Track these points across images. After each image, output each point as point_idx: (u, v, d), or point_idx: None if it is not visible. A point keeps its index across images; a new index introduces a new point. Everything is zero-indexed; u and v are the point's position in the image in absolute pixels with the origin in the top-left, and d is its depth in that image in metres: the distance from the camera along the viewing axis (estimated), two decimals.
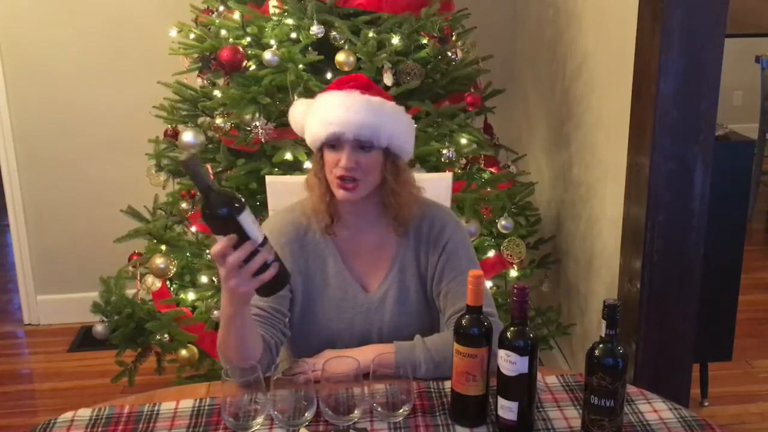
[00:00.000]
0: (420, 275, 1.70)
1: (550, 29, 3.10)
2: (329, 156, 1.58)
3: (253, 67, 2.44)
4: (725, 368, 3.00)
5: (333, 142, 1.57)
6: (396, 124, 1.60)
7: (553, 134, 3.10)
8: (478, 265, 1.72)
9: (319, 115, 1.58)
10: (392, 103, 1.62)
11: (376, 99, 1.59)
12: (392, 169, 1.61)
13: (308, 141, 1.63)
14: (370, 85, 1.64)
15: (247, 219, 1.30)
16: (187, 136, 2.43)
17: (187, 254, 2.49)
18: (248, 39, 2.47)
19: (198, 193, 1.32)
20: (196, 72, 2.62)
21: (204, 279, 2.47)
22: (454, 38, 2.65)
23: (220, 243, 1.31)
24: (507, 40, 3.62)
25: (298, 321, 1.69)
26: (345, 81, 1.63)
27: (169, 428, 1.42)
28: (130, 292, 2.61)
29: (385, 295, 1.68)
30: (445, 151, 2.42)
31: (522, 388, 1.35)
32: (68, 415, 1.46)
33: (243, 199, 1.32)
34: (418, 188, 1.69)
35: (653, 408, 1.46)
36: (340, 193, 1.59)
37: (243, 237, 1.31)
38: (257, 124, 2.36)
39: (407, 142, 1.64)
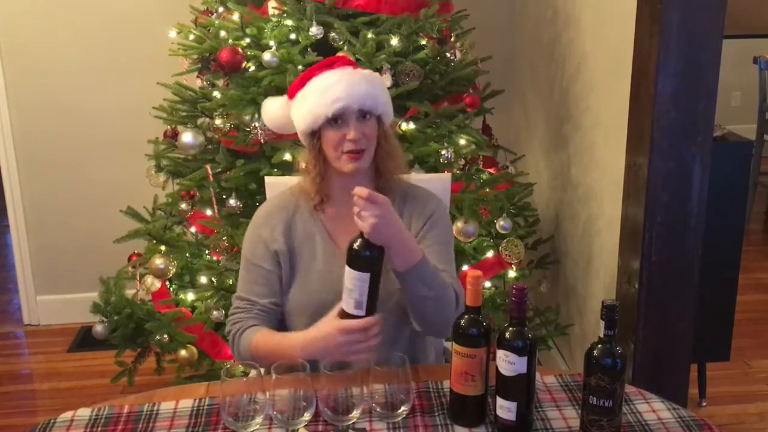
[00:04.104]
0: None
1: (548, 30, 3.10)
2: (332, 134, 1.65)
3: (253, 68, 2.44)
4: (723, 368, 3.00)
5: (337, 116, 1.63)
6: (384, 92, 1.72)
7: (552, 135, 3.11)
8: (452, 246, 1.80)
9: (316, 96, 1.64)
10: (376, 73, 1.77)
11: (367, 71, 1.72)
12: (384, 133, 1.73)
13: (302, 125, 1.69)
14: (354, 62, 1.76)
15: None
16: (187, 136, 2.44)
17: (187, 255, 2.50)
18: (247, 40, 2.47)
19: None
20: (196, 73, 2.62)
21: (203, 279, 2.47)
22: (452, 39, 2.66)
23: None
24: (506, 41, 3.63)
25: (288, 296, 1.75)
26: (329, 63, 1.71)
27: (168, 428, 1.42)
28: (129, 292, 2.61)
29: None
30: (443, 152, 2.43)
31: (521, 389, 1.35)
32: (68, 415, 1.47)
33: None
34: (402, 152, 1.81)
35: (651, 408, 1.46)
36: (349, 166, 1.65)
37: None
38: (256, 124, 2.36)
39: (390, 105, 1.75)
